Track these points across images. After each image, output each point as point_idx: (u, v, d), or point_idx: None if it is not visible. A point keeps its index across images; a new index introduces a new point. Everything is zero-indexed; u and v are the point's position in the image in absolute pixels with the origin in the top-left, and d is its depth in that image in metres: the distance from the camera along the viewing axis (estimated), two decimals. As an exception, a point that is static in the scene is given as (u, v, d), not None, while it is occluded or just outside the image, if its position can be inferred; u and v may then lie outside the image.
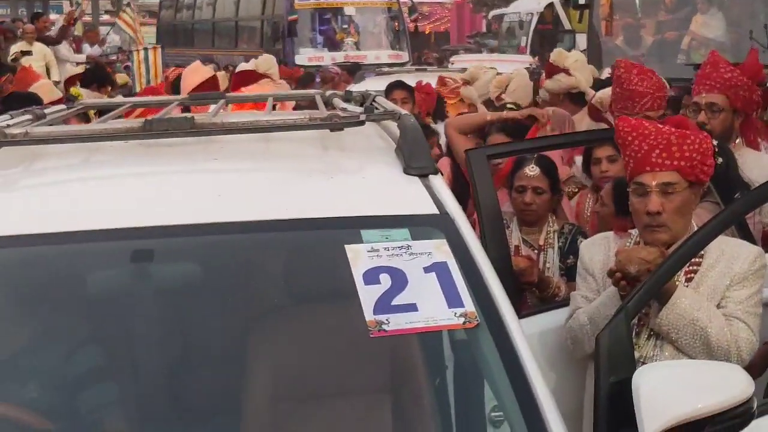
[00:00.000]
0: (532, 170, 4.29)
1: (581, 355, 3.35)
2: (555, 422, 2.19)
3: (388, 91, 7.08)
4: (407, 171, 2.73)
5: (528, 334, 3.48)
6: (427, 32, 36.63)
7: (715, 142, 4.20)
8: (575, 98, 6.59)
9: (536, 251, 4.29)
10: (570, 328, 3.38)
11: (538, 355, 3.53)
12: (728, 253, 3.20)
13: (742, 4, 13.06)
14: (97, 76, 9.25)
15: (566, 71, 6.66)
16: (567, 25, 24.39)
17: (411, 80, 8.02)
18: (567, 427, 2.23)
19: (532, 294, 4.07)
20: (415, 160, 2.74)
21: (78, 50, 16.04)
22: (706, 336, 3.06)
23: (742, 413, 2.33)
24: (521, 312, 3.69)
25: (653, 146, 3.20)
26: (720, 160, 4.03)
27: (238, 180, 2.76)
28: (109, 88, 9.37)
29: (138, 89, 11.95)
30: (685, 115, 4.93)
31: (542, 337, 3.61)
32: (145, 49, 13.09)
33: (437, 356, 2.74)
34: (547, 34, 24.95)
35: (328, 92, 4.05)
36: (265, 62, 7.20)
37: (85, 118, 5.73)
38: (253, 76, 6.83)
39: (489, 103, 7.65)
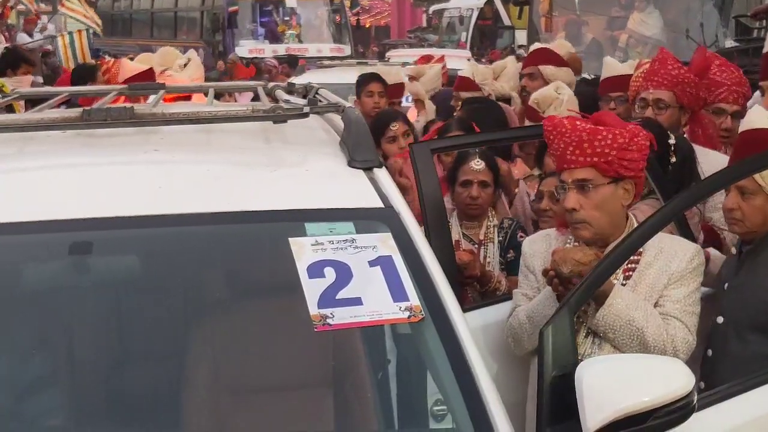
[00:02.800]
0: (477, 164, 4.30)
1: (521, 353, 3.36)
2: (499, 415, 2.19)
3: (364, 84, 6.96)
4: (352, 164, 2.71)
5: (472, 328, 3.52)
6: (367, 26, 36.65)
7: (672, 140, 4.25)
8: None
9: (476, 246, 4.30)
10: (510, 325, 3.38)
11: (481, 348, 3.55)
12: (666, 251, 3.19)
13: (679, 3, 13.27)
14: (8, 61, 8.92)
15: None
16: (507, 21, 24.58)
17: (353, 74, 7.98)
18: (510, 420, 2.23)
19: (473, 288, 4.07)
20: (360, 153, 2.72)
21: (10, 40, 15.71)
22: (642, 336, 3.06)
23: (683, 407, 2.35)
24: (464, 306, 3.70)
25: (568, 144, 3.19)
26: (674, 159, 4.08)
27: (179, 172, 2.71)
28: (29, 68, 8.99)
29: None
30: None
31: (486, 330, 3.61)
32: (70, 33, 12.75)
33: (380, 350, 2.73)
34: (487, 29, 25.12)
35: (271, 84, 4.01)
36: (166, 56, 6.15)
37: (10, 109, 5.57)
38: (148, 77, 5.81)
39: (436, 98, 7.65)
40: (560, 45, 7.08)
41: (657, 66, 4.84)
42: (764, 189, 3.21)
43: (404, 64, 9.75)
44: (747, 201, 3.26)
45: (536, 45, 7.20)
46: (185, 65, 5.84)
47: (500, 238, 4.30)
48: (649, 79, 4.82)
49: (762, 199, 3.24)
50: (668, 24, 11.45)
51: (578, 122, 3.27)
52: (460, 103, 6.49)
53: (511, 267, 4.14)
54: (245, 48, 21.56)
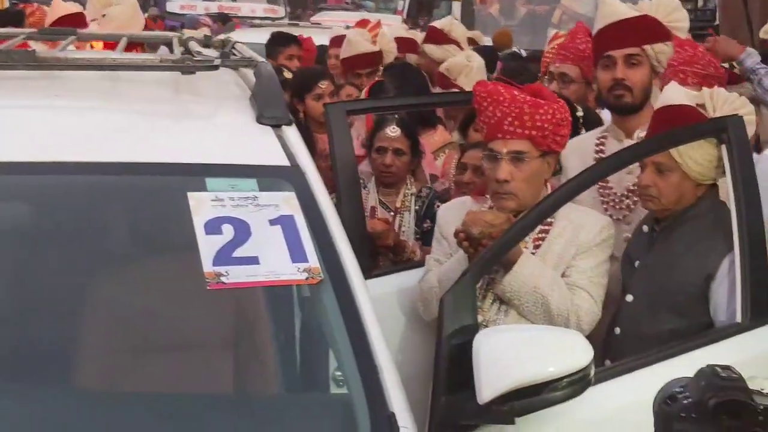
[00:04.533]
0: (393, 131, 4.25)
1: (431, 318, 3.33)
2: (392, 383, 2.15)
3: (281, 45, 6.90)
4: (260, 120, 2.64)
5: (384, 293, 3.51)
6: (304, -12, 36.29)
7: (580, 113, 4.25)
8: None
9: (392, 213, 4.27)
10: (421, 290, 3.36)
11: (394, 313, 3.55)
12: (576, 222, 3.19)
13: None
14: None
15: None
16: (445, -8, 24.51)
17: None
18: (419, 387, 2.20)
19: (386, 258, 4.04)
20: (269, 109, 2.66)
21: None
22: (547, 304, 3.06)
23: (579, 379, 2.35)
24: (377, 271, 3.67)
25: (506, 113, 3.17)
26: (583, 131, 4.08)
27: (78, 119, 2.62)
28: None
29: None
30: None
31: (399, 296, 3.60)
32: None
33: (284, 312, 2.67)
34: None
35: (186, 35, 3.91)
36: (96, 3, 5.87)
37: None
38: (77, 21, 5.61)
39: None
40: (444, 23, 7.16)
41: (567, 40, 4.86)
42: (681, 166, 3.21)
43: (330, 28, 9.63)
44: (663, 178, 3.25)
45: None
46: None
47: (417, 207, 4.27)
48: (557, 53, 4.83)
49: (678, 176, 3.24)
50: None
51: (517, 93, 3.24)
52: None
53: (426, 237, 4.11)
54: (177, 3, 21.18)
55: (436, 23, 7.22)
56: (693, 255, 3.21)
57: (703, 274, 3.18)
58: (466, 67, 5.41)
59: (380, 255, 4.02)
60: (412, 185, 4.34)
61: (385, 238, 3.92)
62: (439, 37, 6.76)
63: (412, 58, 7.30)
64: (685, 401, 1.64)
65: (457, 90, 5.28)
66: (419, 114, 4.98)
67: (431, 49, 6.69)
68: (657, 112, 3.40)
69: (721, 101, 3.29)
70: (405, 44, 7.41)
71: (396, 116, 4.31)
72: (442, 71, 5.52)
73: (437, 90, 5.83)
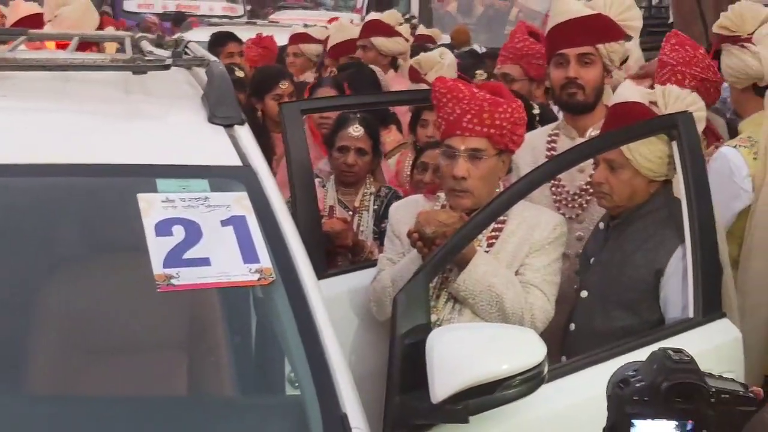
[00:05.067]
0: (356, 131, 4.25)
1: (384, 317, 3.32)
2: (345, 385, 2.14)
3: (220, 45, 6.86)
4: (212, 120, 2.61)
5: (338, 293, 3.50)
6: (263, -13, 36.17)
7: (537, 110, 4.27)
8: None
9: (351, 213, 4.26)
10: (374, 289, 3.35)
11: (348, 313, 3.54)
12: (529, 220, 3.21)
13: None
14: None
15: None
16: (403, -11, 24.50)
17: (243, 34, 7.83)
18: (373, 387, 2.19)
19: (345, 258, 4.03)
20: (221, 109, 2.63)
21: None
22: (501, 303, 3.07)
23: (533, 377, 2.35)
24: (330, 271, 3.66)
25: (465, 110, 3.18)
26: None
27: (27, 120, 2.57)
28: None
29: None
30: None
31: (352, 295, 3.59)
32: None
33: (238, 313, 2.65)
34: (383, -4, 25.03)
35: (138, 35, 3.88)
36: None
37: None
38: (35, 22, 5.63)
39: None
40: (390, 15, 7.21)
41: (507, 41, 4.91)
42: (632, 163, 3.23)
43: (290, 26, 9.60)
44: (615, 175, 3.28)
45: (371, 16, 7.40)
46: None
47: (376, 207, 4.27)
48: (500, 54, 4.88)
49: (629, 173, 3.26)
50: None
51: (476, 90, 3.25)
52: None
53: (384, 237, 4.11)
54: (134, 2, 20.99)
55: (377, 15, 7.22)
56: (643, 251, 3.24)
57: (652, 270, 3.21)
58: (437, 64, 5.42)
59: (339, 254, 4.01)
60: (371, 185, 4.34)
61: (344, 238, 3.92)
62: (386, 30, 6.77)
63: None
64: (638, 384, 1.64)
65: (425, 85, 5.29)
66: (374, 113, 4.98)
67: (380, 42, 6.71)
68: (610, 109, 3.42)
69: (673, 98, 3.32)
70: None
71: (359, 115, 4.31)
72: (413, 65, 5.53)
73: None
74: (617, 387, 1.67)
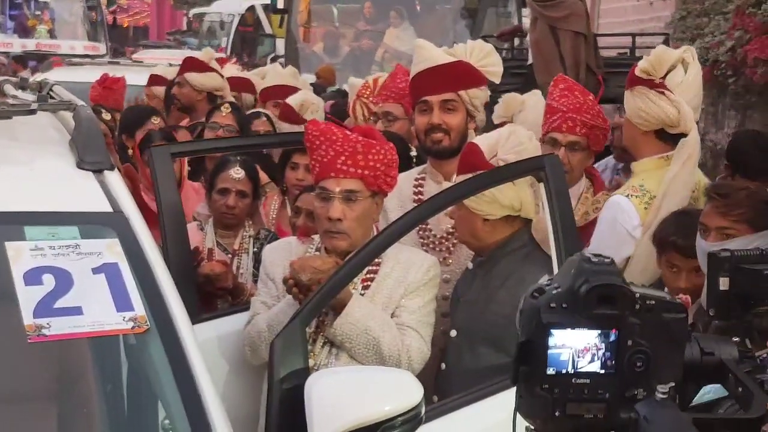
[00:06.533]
0: (237, 173, 4.23)
1: (259, 362, 3.30)
2: (222, 430, 2.12)
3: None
4: (80, 165, 2.57)
5: (207, 338, 3.45)
6: (125, 26, 35.71)
7: (413, 152, 4.32)
8: None
9: (230, 256, 4.23)
10: (248, 334, 3.31)
11: (217, 359, 3.49)
12: (403, 262, 3.24)
13: (433, 21, 13.71)
14: None
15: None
16: (268, 29, 24.51)
17: (101, 73, 7.74)
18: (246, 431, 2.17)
19: (225, 301, 3.99)
20: (90, 154, 2.59)
21: None
22: (378, 346, 3.08)
23: (411, 418, 2.36)
24: (201, 315, 3.61)
25: (339, 152, 3.20)
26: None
27: None
28: None
29: None
30: None
31: (222, 340, 3.54)
32: None
33: (110, 362, 2.60)
34: (248, 36, 24.97)
35: (1, 78, 3.78)
36: None
37: None
38: None
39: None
40: (205, 53, 7.45)
41: (388, 81, 4.98)
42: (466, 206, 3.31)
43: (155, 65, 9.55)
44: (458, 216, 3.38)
45: (187, 53, 7.55)
46: None
47: (255, 249, 4.24)
48: (379, 93, 4.94)
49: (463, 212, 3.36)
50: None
51: (349, 132, 3.27)
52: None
53: (259, 279, 4.09)
54: (-9, 41, 20.49)
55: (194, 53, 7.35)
56: (506, 288, 3.30)
57: (515, 307, 3.27)
58: (312, 105, 5.51)
59: (219, 297, 3.97)
60: (250, 227, 4.33)
61: (224, 280, 3.88)
62: (199, 66, 6.89)
63: (248, 98, 7.40)
64: (554, 291, 1.43)
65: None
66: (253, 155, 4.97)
67: (193, 77, 6.79)
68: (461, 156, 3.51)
69: (510, 144, 3.40)
70: (240, 84, 7.48)
71: (239, 158, 4.29)
72: (294, 106, 5.55)
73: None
74: (531, 297, 1.46)
